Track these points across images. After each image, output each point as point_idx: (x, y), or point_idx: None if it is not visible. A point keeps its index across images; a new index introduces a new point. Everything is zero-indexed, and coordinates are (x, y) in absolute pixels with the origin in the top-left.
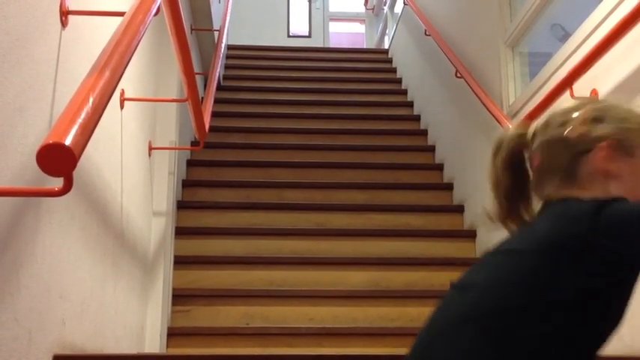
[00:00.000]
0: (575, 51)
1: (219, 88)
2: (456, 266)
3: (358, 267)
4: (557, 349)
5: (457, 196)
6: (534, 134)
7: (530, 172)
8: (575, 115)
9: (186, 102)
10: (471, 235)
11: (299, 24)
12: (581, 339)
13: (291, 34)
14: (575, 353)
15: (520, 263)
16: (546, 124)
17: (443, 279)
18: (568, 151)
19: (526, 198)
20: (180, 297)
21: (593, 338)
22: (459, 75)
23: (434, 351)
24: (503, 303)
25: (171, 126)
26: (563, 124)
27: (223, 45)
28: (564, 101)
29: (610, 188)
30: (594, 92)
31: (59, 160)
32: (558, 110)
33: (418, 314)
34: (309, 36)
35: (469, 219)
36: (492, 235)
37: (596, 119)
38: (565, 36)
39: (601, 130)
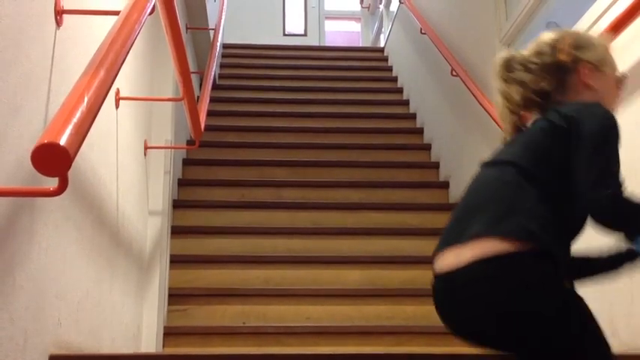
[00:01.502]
0: None
1: (215, 86)
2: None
3: (354, 265)
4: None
5: (453, 194)
6: (524, 59)
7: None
8: (560, 44)
9: (182, 101)
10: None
11: (295, 22)
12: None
13: (286, 33)
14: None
15: (539, 137)
16: (539, 52)
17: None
18: (561, 71)
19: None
20: (176, 296)
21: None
22: (454, 73)
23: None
24: (530, 156)
25: (166, 125)
26: (553, 51)
27: (219, 44)
28: None
29: (587, 97)
30: None
31: (54, 160)
32: (543, 40)
33: (414, 312)
34: (305, 34)
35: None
36: None
37: (577, 46)
38: None
39: (582, 54)
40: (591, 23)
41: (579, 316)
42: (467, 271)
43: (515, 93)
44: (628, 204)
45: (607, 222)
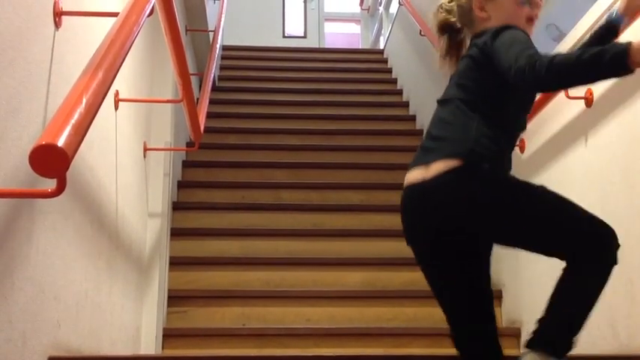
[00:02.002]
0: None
1: (215, 88)
2: None
3: (355, 267)
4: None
5: None
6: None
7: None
8: None
9: (181, 103)
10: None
11: (294, 24)
12: (509, 107)
13: (286, 35)
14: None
15: (467, 73)
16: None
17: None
18: (469, 10)
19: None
20: (176, 298)
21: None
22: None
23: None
24: (467, 90)
25: (166, 127)
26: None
27: (218, 45)
28: (560, 101)
29: (492, 25)
30: (589, 92)
31: (52, 161)
32: None
33: (415, 314)
34: (305, 36)
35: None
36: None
37: None
38: (560, 36)
39: None
40: (591, 25)
41: (528, 188)
42: (435, 179)
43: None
44: (559, 60)
45: (542, 80)
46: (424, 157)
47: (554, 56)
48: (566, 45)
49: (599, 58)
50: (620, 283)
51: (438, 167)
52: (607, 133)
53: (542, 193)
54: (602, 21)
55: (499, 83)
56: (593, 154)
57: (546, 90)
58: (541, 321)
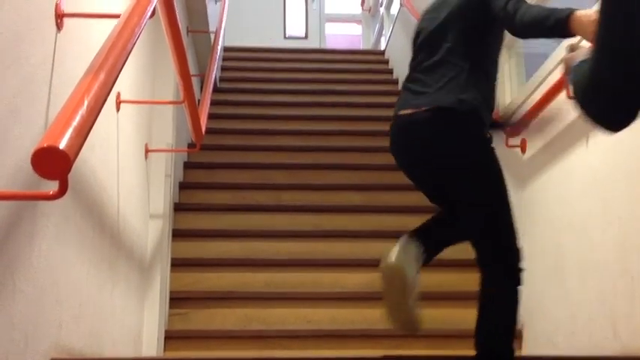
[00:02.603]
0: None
1: (216, 89)
2: (453, 267)
3: (356, 268)
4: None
5: None
6: None
7: None
8: None
9: (183, 104)
10: None
11: (295, 25)
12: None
13: (287, 36)
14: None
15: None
16: None
17: (439, 280)
18: None
19: None
20: (177, 300)
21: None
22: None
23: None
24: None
25: (167, 128)
26: None
27: (219, 47)
28: (561, 102)
29: None
30: None
31: (54, 163)
32: None
33: None
34: (306, 37)
35: None
36: None
37: None
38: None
39: None
40: None
41: (497, 167)
42: (428, 112)
43: None
44: (529, 12)
45: (516, 29)
46: (417, 97)
47: (527, 9)
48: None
49: (546, 20)
50: (622, 284)
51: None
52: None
53: (500, 179)
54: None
55: (488, 29)
56: (594, 156)
57: (520, 37)
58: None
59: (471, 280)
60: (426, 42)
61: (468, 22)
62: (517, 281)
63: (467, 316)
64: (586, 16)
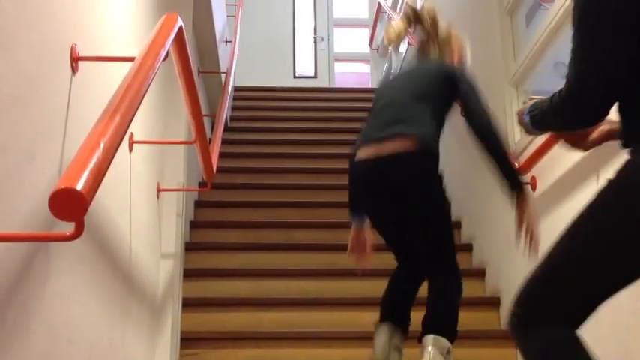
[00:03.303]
0: None
1: (227, 129)
2: (466, 306)
3: (369, 307)
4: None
5: (465, 233)
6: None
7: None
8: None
9: (194, 144)
10: (479, 273)
11: (305, 65)
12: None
13: (297, 75)
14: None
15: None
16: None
17: (460, 318)
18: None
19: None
20: (188, 340)
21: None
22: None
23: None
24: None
25: (179, 168)
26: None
27: (230, 87)
28: None
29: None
30: None
31: (71, 205)
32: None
33: None
34: (315, 76)
35: (477, 257)
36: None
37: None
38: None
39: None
40: None
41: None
42: (413, 153)
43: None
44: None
45: (488, 135)
46: (390, 132)
47: (495, 127)
48: None
49: (510, 164)
50: (634, 320)
51: (404, 144)
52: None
53: (449, 212)
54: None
55: (452, 107)
56: None
57: (479, 141)
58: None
59: (481, 319)
60: (389, 104)
61: (447, 92)
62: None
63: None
64: (528, 202)
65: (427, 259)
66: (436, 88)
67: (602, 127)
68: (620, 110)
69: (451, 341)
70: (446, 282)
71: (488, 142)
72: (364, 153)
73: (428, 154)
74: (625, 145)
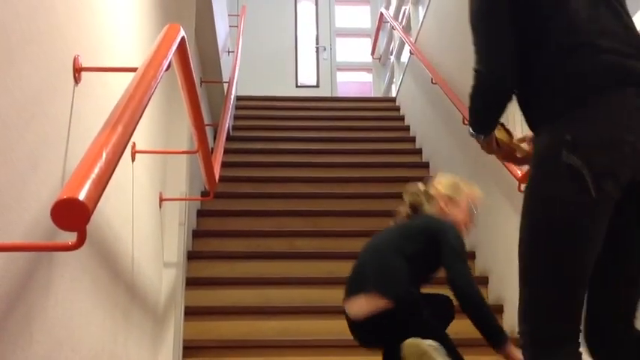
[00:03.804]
0: None
1: (229, 138)
2: None
3: None
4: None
5: (468, 241)
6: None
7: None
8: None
9: (197, 153)
10: (482, 281)
11: (307, 74)
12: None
13: (299, 84)
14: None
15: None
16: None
17: (457, 327)
18: (434, 200)
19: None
20: (191, 348)
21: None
22: (466, 122)
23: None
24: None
25: (181, 177)
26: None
27: (232, 96)
28: None
29: (445, 217)
30: None
31: (73, 215)
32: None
33: None
34: (317, 86)
35: (480, 264)
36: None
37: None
38: None
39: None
40: None
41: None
42: (370, 318)
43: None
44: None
45: (463, 291)
46: (360, 288)
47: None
48: None
49: (492, 319)
50: None
51: (373, 304)
52: None
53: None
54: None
55: (434, 260)
56: None
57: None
58: None
59: None
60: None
61: (424, 244)
62: None
63: None
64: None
65: None
66: (413, 235)
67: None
68: (519, 104)
69: None
70: None
71: (468, 311)
72: None
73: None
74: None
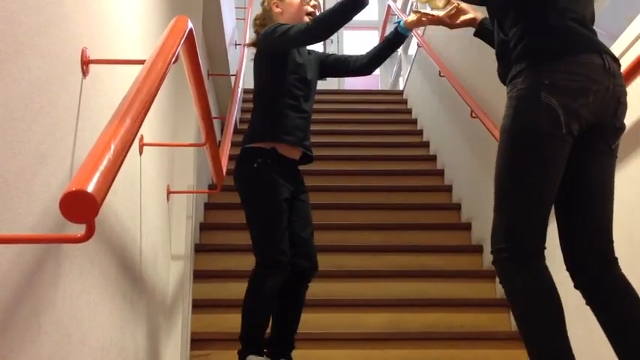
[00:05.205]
0: None
1: (236, 131)
2: (475, 307)
3: (376, 309)
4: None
5: (475, 235)
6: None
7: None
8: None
9: (204, 146)
10: (490, 275)
11: None
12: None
13: None
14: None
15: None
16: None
17: (463, 320)
18: (269, 9)
19: None
20: (199, 341)
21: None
22: (474, 115)
23: None
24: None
25: (189, 170)
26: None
27: (240, 89)
28: None
29: (284, 18)
30: None
31: (82, 207)
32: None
33: (439, 356)
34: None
35: (488, 258)
36: None
37: None
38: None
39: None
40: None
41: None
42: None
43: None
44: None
45: (311, 33)
46: None
47: (314, 18)
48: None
49: (341, 4)
50: None
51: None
52: (628, 173)
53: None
54: (391, 30)
55: (272, 70)
56: (620, 186)
57: (315, 39)
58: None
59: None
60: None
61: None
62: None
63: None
64: None
65: None
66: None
67: (468, 17)
68: (497, 56)
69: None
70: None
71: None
72: None
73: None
74: (504, 83)
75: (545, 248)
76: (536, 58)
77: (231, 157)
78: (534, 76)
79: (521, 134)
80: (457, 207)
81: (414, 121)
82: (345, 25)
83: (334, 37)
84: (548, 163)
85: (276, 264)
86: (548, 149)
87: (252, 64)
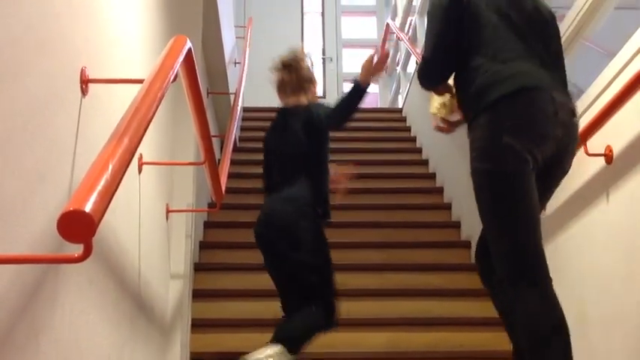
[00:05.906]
0: (587, 108)
1: (236, 149)
2: (475, 326)
3: (376, 328)
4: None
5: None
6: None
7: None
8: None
9: (203, 165)
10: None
11: None
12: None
13: None
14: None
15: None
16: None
17: (464, 339)
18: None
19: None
20: None
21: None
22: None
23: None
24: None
25: (188, 188)
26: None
27: (239, 107)
28: (579, 159)
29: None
30: (609, 148)
31: (79, 227)
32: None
33: None
34: (324, 96)
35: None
36: None
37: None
38: (577, 94)
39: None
40: (606, 84)
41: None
42: None
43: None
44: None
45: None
46: None
47: (332, 110)
48: (584, 103)
49: (349, 95)
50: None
51: None
52: (629, 188)
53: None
54: (351, 86)
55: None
56: (615, 210)
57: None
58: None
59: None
60: None
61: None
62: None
63: None
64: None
65: None
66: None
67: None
68: (458, 88)
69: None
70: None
71: (342, 112)
72: None
73: None
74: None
75: (548, 270)
76: (489, 97)
77: (230, 175)
78: (492, 117)
79: (492, 176)
80: (457, 225)
81: (414, 139)
82: (344, 43)
83: (333, 55)
84: (526, 198)
85: None
86: (522, 185)
87: (251, 82)
